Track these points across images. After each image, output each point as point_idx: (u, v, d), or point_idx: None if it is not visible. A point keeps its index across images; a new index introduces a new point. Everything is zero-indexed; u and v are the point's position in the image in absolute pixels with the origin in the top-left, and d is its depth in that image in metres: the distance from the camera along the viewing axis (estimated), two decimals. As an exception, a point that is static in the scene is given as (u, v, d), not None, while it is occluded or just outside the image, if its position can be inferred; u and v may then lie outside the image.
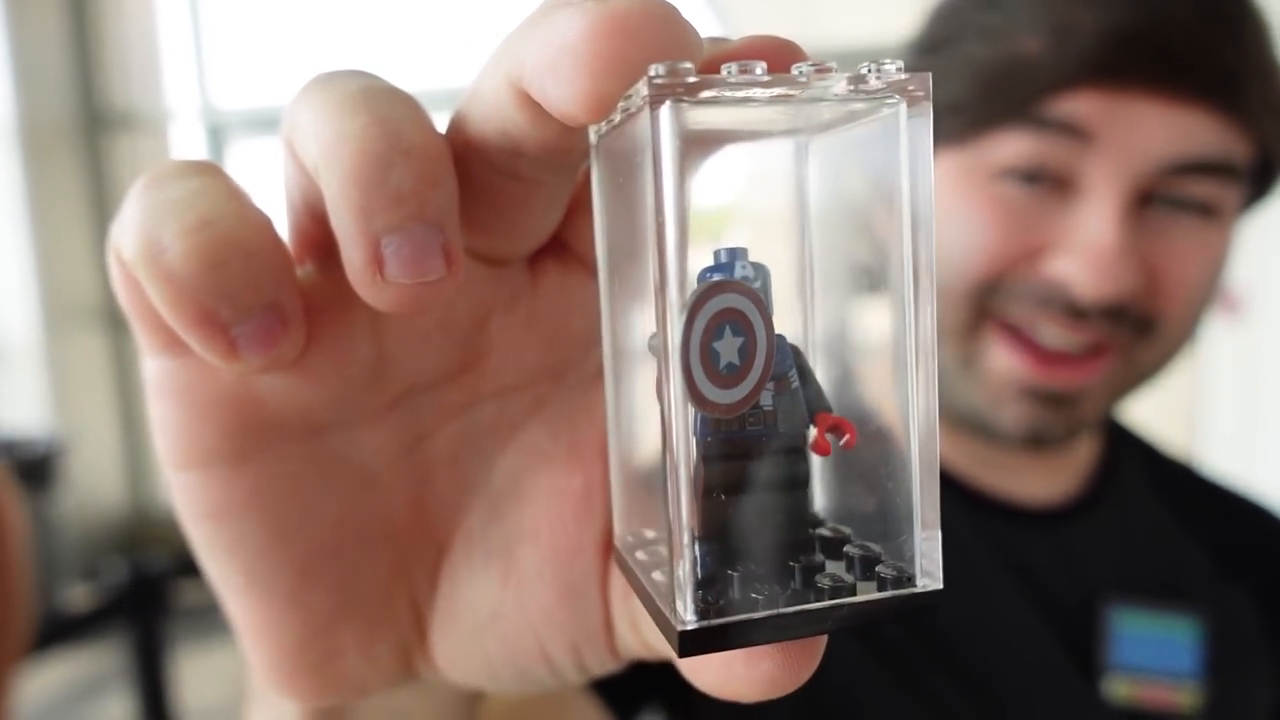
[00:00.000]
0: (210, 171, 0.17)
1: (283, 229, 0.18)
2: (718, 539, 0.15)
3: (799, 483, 0.16)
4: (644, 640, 0.20)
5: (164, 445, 0.19)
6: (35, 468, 3.18)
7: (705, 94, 0.13)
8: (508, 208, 0.17)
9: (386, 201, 0.15)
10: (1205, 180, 0.46)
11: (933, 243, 0.14)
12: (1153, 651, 0.55)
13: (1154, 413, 3.20)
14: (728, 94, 0.13)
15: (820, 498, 0.17)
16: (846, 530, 0.16)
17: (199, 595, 3.55)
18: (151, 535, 4.06)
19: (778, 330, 0.15)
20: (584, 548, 0.20)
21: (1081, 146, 0.46)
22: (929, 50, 0.52)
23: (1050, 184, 0.48)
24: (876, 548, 0.15)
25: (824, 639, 0.15)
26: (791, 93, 0.14)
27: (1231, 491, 0.66)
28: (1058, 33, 0.46)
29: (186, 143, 4.12)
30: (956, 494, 0.59)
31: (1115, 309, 0.47)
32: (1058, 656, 0.55)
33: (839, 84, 0.14)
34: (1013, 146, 0.47)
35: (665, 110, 0.13)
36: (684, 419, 0.13)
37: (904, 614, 0.15)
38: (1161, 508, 0.61)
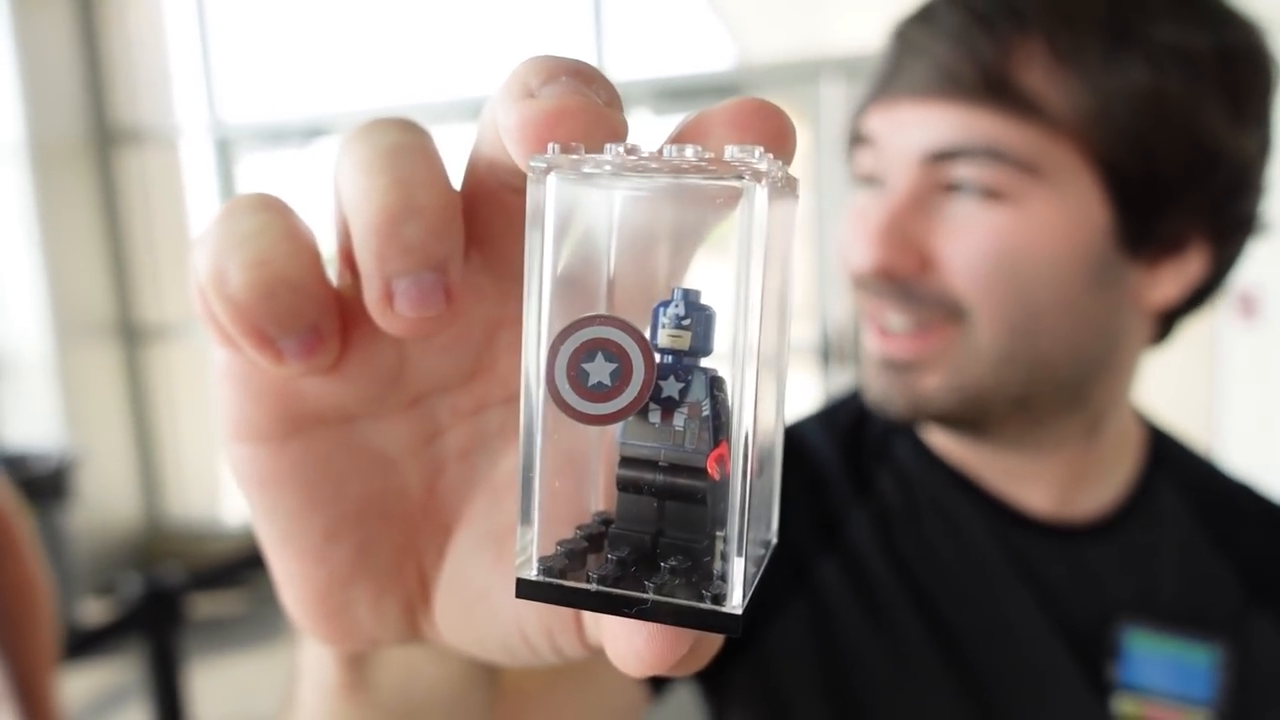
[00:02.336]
0: (274, 208, 0.21)
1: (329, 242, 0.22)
2: (619, 533, 0.18)
3: (694, 497, 0.18)
4: (606, 648, 0.22)
5: (224, 420, 0.23)
6: (47, 482, 3.18)
7: (586, 170, 0.17)
8: (509, 214, 0.21)
9: (397, 251, 0.19)
10: (971, 164, 0.51)
11: (787, 300, 0.18)
12: (1165, 675, 0.55)
13: (1172, 414, 3.18)
14: (604, 169, 0.17)
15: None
16: (720, 546, 0.18)
17: (213, 608, 3.56)
18: (165, 549, 4.06)
19: (712, 368, 0.18)
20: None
21: (875, 153, 0.55)
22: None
23: (879, 187, 0.56)
24: (719, 568, 0.18)
25: (687, 636, 0.18)
26: (656, 171, 0.16)
27: None
28: (872, 74, 0.57)
29: (195, 157, 4.14)
30: (971, 497, 0.60)
31: (884, 276, 0.53)
32: (1068, 668, 0.56)
33: (700, 167, 0.16)
34: (856, 163, 0.58)
35: (547, 181, 0.17)
36: (538, 420, 0.17)
37: (704, 627, 0.17)
38: (1198, 529, 0.60)
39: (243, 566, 2.35)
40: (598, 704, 0.50)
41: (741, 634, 0.17)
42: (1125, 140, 0.50)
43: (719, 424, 0.18)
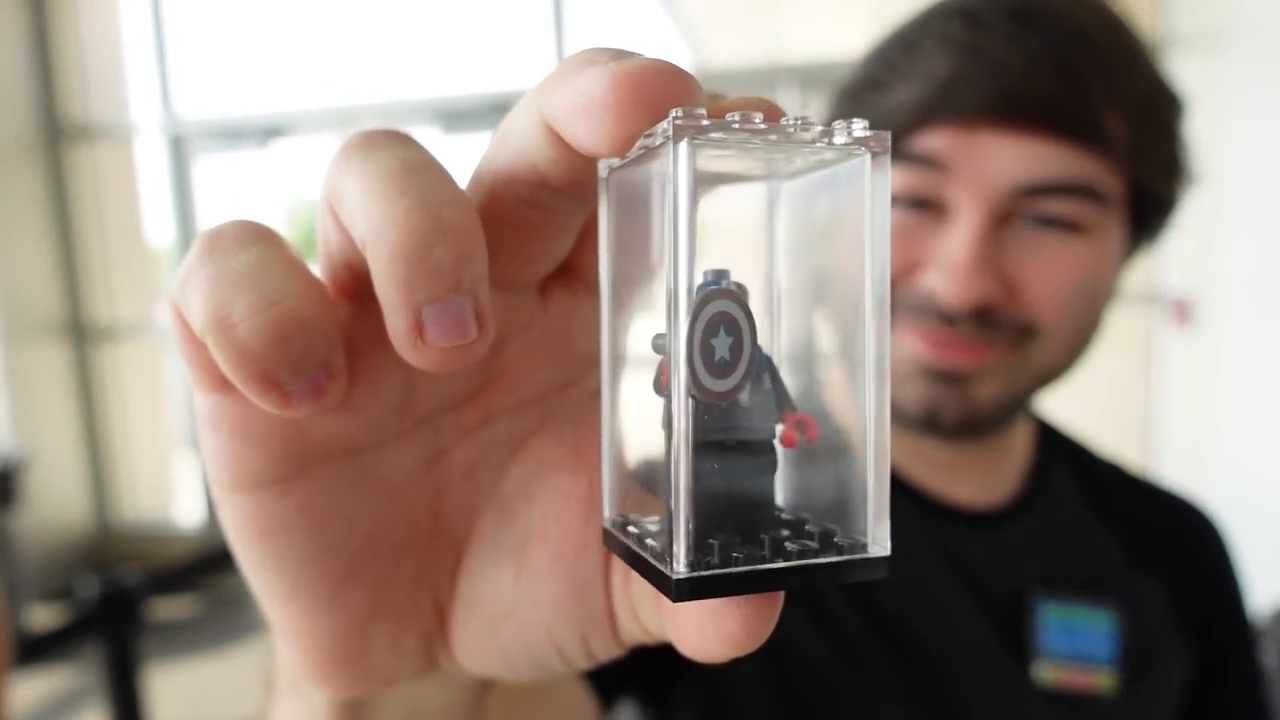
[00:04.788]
0: (268, 238, 0.19)
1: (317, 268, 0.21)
2: (703, 513, 0.17)
3: (768, 470, 0.18)
4: (643, 625, 0.22)
5: (216, 471, 0.21)
6: (-6, 485, 3.11)
7: (715, 134, 0.16)
8: (528, 233, 0.20)
9: (427, 277, 0.17)
10: (1059, 200, 0.52)
11: (887, 271, 0.17)
12: (1074, 640, 0.61)
13: (1111, 417, 3.27)
14: (732, 135, 0.16)
15: (779, 491, 0.19)
16: (806, 515, 0.19)
17: (168, 611, 3.50)
18: (116, 553, 3.99)
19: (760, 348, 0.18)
20: (588, 544, 0.22)
21: (942, 176, 0.53)
22: (847, 98, 0.59)
23: (930, 209, 0.54)
24: (833, 526, 0.18)
25: (778, 602, 0.18)
26: (781, 138, 0.17)
27: (1152, 486, 0.72)
28: (920, 80, 0.53)
29: (149, 155, 4.07)
30: (905, 496, 0.64)
31: (978, 313, 0.53)
32: (993, 643, 0.61)
33: (816, 135, 0.17)
34: (894, 179, 0.54)
35: (684, 145, 0.16)
36: (685, 402, 0.16)
37: (859, 575, 0.17)
38: (1085, 506, 0.67)
39: (198, 569, 2.33)
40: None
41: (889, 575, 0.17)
42: (1157, 170, 0.55)
43: (781, 395, 0.18)
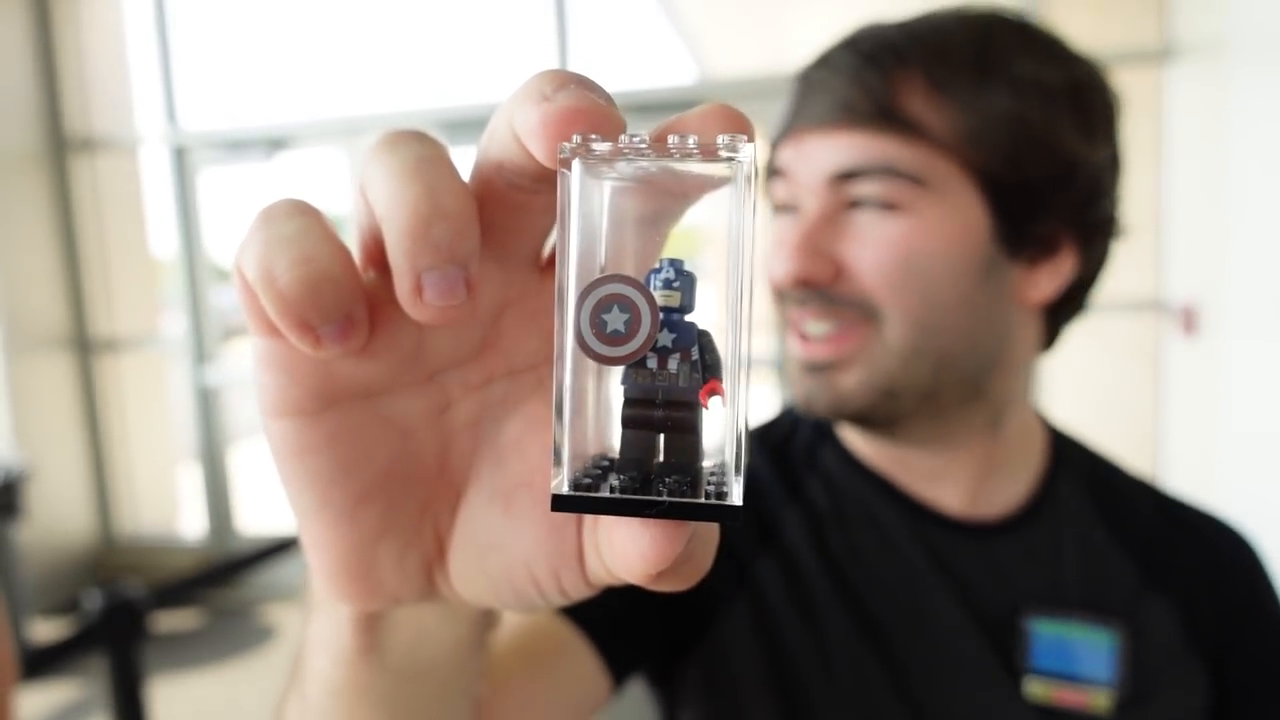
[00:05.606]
0: (310, 212, 0.23)
1: (352, 241, 0.25)
2: (626, 459, 0.22)
3: (688, 426, 0.22)
4: (606, 566, 0.25)
5: (264, 400, 0.26)
6: (-3, 497, 3.11)
7: (597, 156, 0.20)
8: (517, 211, 0.25)
9: (427, 249, 0.21)
10: (868, 181, 0.59)
11: (750, 270, 0.21)
12: (1070, 659, 0.62)
13: (1119, 424, 3.26)
14: (617, 156, 0.20)
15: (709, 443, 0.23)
16: (713, 464, 0.22)
17: (171, 623, 3.49)
18: (119, 564, 3.98)
19: (698, 323, 0.22)
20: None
21: (787, 181, 0.63)
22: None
23: (793, 215, 0.63)
24: (716, 479, 0.22)
25: (682, 532, 0.21)
26: (663, 156, 0.21)
27: (1182, 505, 0.71)
28: (782, 111, 0.64)
29: (152, 168, 4.09)
30: (895, 502, 0.67)
31: (804, 286, 0.60)
32: (982, 654, 0.62)
33: (693, 151, 0.20)
34: (771, 194, 0.65)
35: (575, 164, 0.21)
36: (570, 363, 0.21)
37: (710, 517, 0.21)
38: (1098, 521, 0.67)
39: (201, 582, 2.32)
40: (566, 692, 0.57)
41: (740, 523, 0.20)
42: (997, 155, 0.58)
43: (707, 365, 0.22)
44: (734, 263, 0.20)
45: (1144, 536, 0.67)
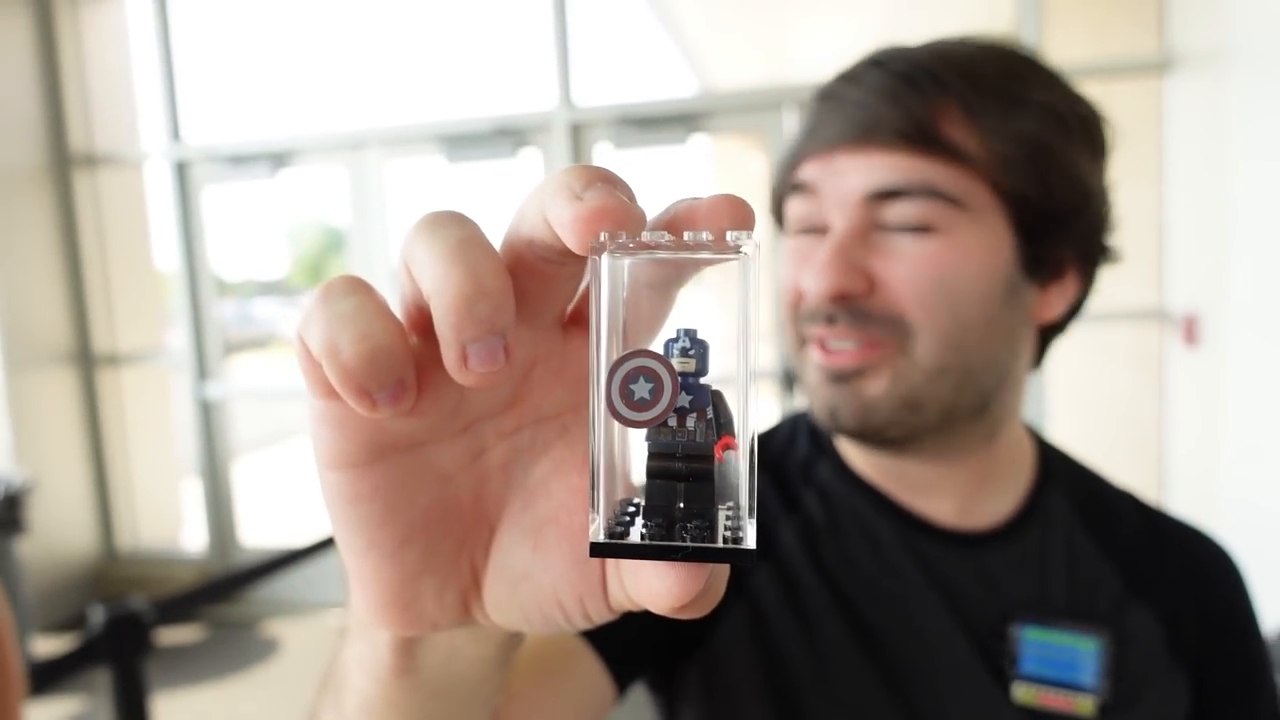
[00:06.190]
0: (365, 289, 0.26)
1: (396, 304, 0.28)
2: (652, 507, 0.24)
3: (705, 476, 0.24)
4: (627, 594, 0.27)
5: (321, 454, 0.29)
6: None
7: (625, 250, 0.24)
8: (545, 281, 0.27)
9: (471, 324, 0.24)
10: (904, 202, 0.60)
11: (752, 344, 0.23)
12: (1055, 665, 0.64)
13: (1123, 432, 3.24)
14: (642, 249, 0.24)
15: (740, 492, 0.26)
16: (727, 508, 0.25)
17: (173, 638, 3.48)
18: (122, 578, 3.98)
19: (712, 384, 0.25)
20: (588, 529, 0.28)
21: (815, 199, 0.63)
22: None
23: (817, 233, 0.64)
24: (739, 525, 0.24)
25: (703, 572, 0.24)
26: (682, 248, 0.24)
27: (1164, 517, 0.73)
28: (801, 128, 0.66)
29: (157, 183, 4.10)
30: (888, 514, 0.68)
31: (839, 301, 0.61)
32: (972, 661, 0.64)
33: (706, 244, 0.24)
34: (790, 210, 0.66)
35: (604, 258, 0.24)
36: (602, 427, 0.24)
37: (729, 560, 0.24)
38: (1084, 532, 0.70)
39: (204, 596, 2.32)
40: (572, 699, 0.59)
41: (754, 565, 0.23)
42: (1025, 180, 0.60)
43: (720, 422, 0.25)
44: (741, 337, 0.23)
45: (1129, 547, 0.69)
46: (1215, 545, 0.72)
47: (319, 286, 0.27)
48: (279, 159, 3.84)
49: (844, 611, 0.65)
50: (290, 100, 4.01)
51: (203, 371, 3.93)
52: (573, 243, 0.24)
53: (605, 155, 3.46)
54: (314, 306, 0.26)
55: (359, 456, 0.28)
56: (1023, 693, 0.63)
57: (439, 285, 0.24)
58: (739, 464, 0.24)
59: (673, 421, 0.24)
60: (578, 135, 3.45)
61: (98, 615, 1.70)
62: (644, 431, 0.25)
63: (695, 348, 0.25)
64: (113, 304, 4.08)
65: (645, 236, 0.24)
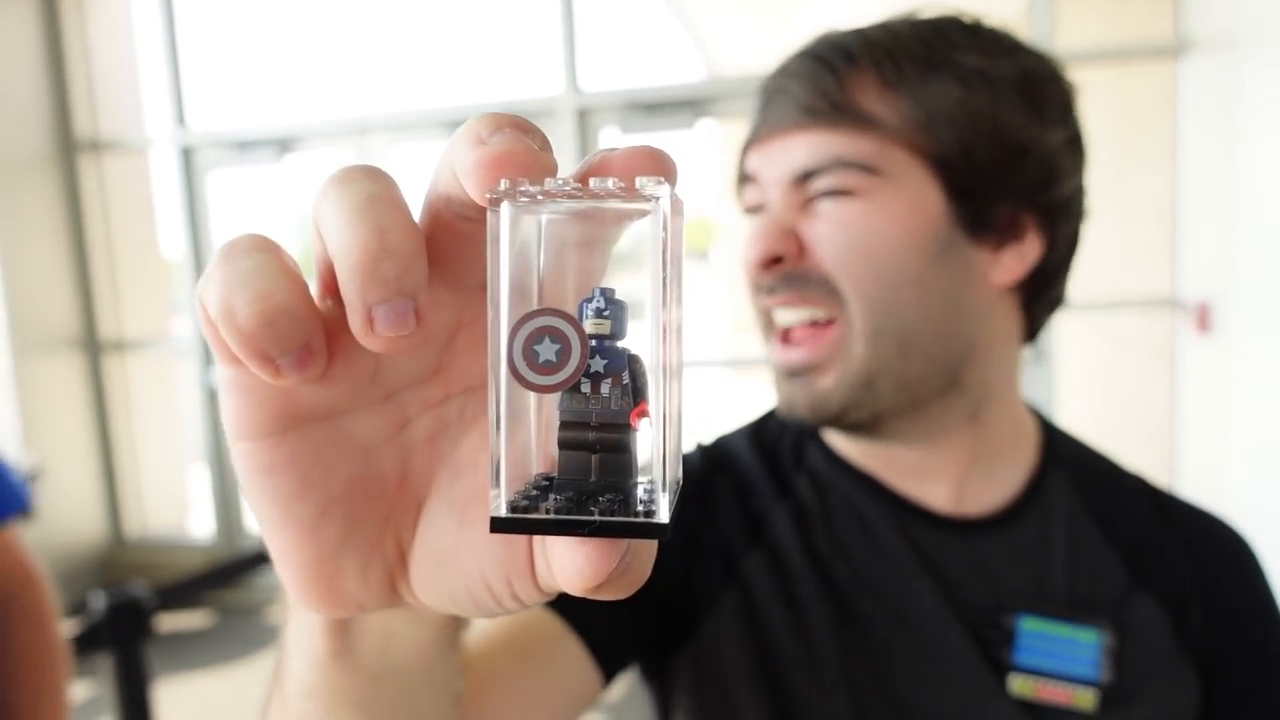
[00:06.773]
0: (267, 248, 0.25)
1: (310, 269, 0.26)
2: (564, 480, 0.23)
3: (620, 446, 0.23)
4: (553, 573, 0.26)
5: (229, 424, 0.27)
6: (7, 498, 3.12)
7: (526, 198, 0.22)
8: (465, 239, 0.26)
9: (376, 284, 0.22)
10: (826, 176, 0.62)
11: (674, 295, 0.22)
12: (1055, 657, 0.62)
13: (1131, 425, 3.22)
14: (547, 197, 0.22)
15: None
16: (647, 481, 0.23)
17: (177, 623, 3.50)
18: (128, 564, 4.00)
19: (630, 348, 0.23)
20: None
21: (756, 186, 0.67)
22: None
23: (763, 214, 0.66)
24: (648, 496, 0.23)
25: (616, 549, 0.22)
26: (589, 196, 0.22)
27: (1179, 503, 0.71)
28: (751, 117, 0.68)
29: (161, 170, 4.10)
30: (879, 498, 0.68)
31: (771, 265, 0.63)
32: (967, 651, 0.63)
33: (616, 192, 0.21)
34: (742, 200, 0.69)
35: (504, 206, 0.22)
36: (505, 392, 0.22)
37: (639, 534, 0.22)
38: (1088, 520, 0.68)
39: (208, 582, 2.32)
40: (554, 686, 0.58)
41: (668, 539, 0.22)
42: (946, 141, 0.61)
43: (637, 388, 0.23)
44: (655, 287, 0.22)
45: (1135, 535, 0.67)
46: (1231, 531, 0.69)
47: (221, 245, 0.25)
48: (284, 144, 3.83)
49: (835, 599, 0.64)
50: (295, 85, 4.00)
51: (209, 358, 3.94)
52: (474, 191, 0.22)
53: (612, 140, 3.44)
54: (214, 266, 0.24)
55: (270, 425, 0.27)
56: (1020, 684, 0.61)
57: (343, 244, 0.23)
58: (658, 434, 0.22)
59: (586, 388, 0.23)
60: (584, 120, 3.43)
61: (99, 601, 1.70)
62: (558, 398, 0.23)
63: (611, 308, 0.23)
64: (119, 290, 4.08)
65: (550, 185, 0.22)
